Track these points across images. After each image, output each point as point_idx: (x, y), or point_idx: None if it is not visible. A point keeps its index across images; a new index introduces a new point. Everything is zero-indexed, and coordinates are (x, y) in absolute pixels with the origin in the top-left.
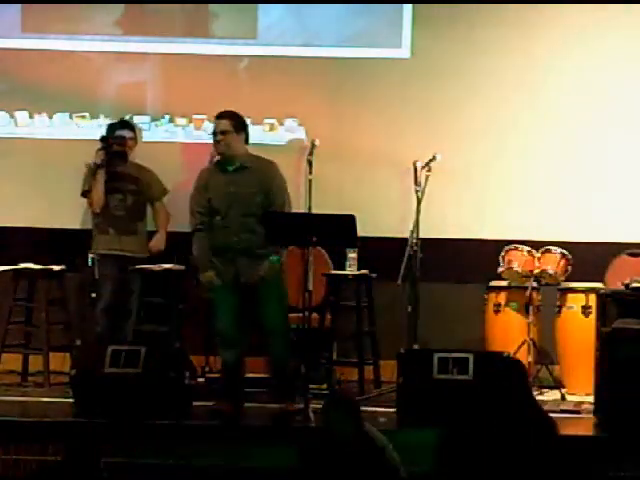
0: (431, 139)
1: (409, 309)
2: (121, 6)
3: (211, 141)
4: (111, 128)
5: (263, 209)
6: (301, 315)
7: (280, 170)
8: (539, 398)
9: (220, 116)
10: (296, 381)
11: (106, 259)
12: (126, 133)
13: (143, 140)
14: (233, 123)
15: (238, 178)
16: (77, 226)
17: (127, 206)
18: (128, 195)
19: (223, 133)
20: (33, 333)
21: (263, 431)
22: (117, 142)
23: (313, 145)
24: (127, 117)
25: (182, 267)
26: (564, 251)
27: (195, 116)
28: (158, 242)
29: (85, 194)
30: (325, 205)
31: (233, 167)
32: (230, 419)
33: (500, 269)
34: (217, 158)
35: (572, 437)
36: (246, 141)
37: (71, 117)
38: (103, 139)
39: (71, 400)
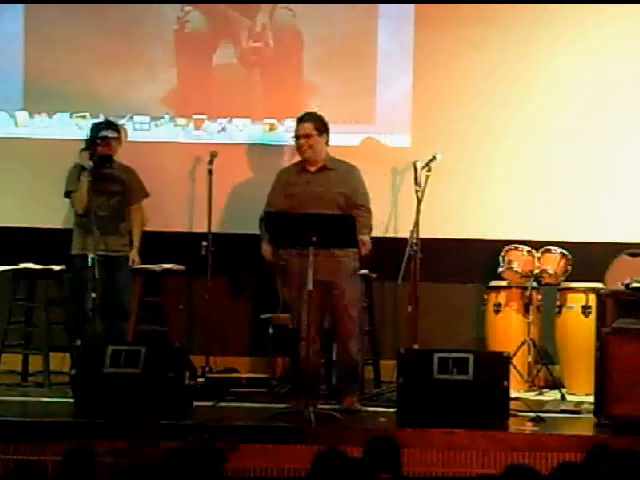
0: (431, 139)
1: (409, 309)
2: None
3: (211, 141)
4: (95, 128)
5: (343, 210)
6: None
7: (358, 170)
8: (539, 398)
9: (302, 119)
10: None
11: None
12: (110, 133)
13: (144, 140)
14: (316, 126)
15: (321, 179)
16: None
17: (111, 207)
18: (112, 196)
19: (307, 137)
20: (33, 333)
21: (263, 431)
22: (101, 143)
23: None
24: (127, 117)
25: (182, 267)
26: (564, 251)
27: (195, 116)
28: (134, 256)
29: (68, 195)
30: None
31: (315, 168)
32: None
33: (500, 269)
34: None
35: (572, 437)
36: (328, 143)
37: (71, 117)
38: (88, 141)
39: (71, 400)
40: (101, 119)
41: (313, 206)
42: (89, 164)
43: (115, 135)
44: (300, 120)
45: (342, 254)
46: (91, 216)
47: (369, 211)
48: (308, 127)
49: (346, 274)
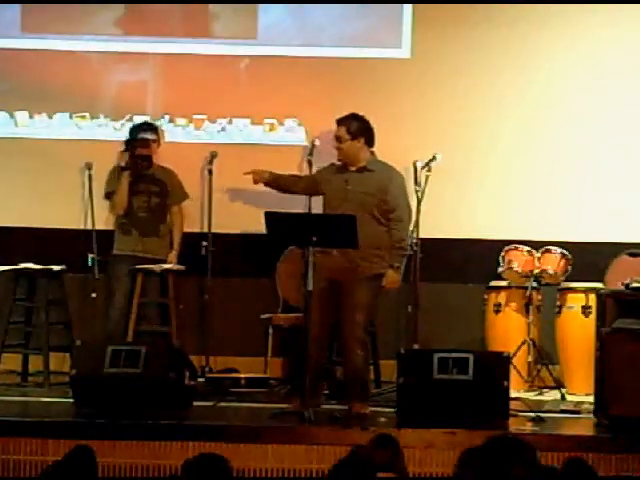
0: (431, 139)
1: (409, 309)
2: (121, 6)
3: (211, 141)
4: (135, 130)
5: (380, 213)
6: (301, 315)
7: (401, 177)
8: (539, 398)
9: (338, 122)
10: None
11: (126, 259)
12: (150, 135)
13: None
14: (349, 129)
15: (358, 179)
16: (77, 226)
17: (151, 208)
18: (152, 197)
19: (339, 140)
20: (33, 333)
21: (262, 431)
22: (142, 145)
23: (313, 145)
24: (127, 117)
25: (182, 267)
26: (564, 251)
27: (195, 116)
28: (172, 259)
29: (108, 196)
30: None
31: (355, 168)
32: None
33: (500, 269)
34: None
35: (572, 437)
36: (370, 144)
37: (71, 117)
38: (128, 142)
39: (71, 400)
40: (140, 120)
41: (340, 205)
42: (124, 163)
43: (154, 137)
44: (337, 122)
45: (361, 256)
46: (131, 217)
47: (403, 222)
48: (339, 130)
49: (359, 278)
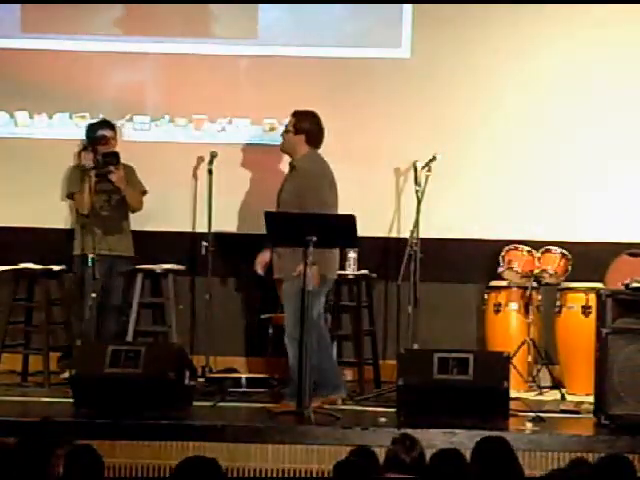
0: (431, 139)
1: (409, 309)
2: (121, 6)
3: (211, 141)
4: (92, 128)
5: (299, 209)
6: None
7: (321, 172)
8: (539, 398)
9: (292, 113)
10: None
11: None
12: (107, 132)
13: (143, 140)
14: (296, 124)
15: (288, 177)
16: None
17: (112, 206)
18: (113, 195)
19: (285, 130)
20: (33, 333)
21: (263, 431)
22: (100, 142)
23: None
24: (127, 117)
25: (182, 267)
26: (564, 251)
27: (195, 116)
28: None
29: (71, 196)
30: None
31: (289, 162)
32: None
33: (500, 269)
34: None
35: (572, 437)
36: (312, 144)
37: (71, 117)
38: (87, 142)
39: (71, 400)
40: (97, 119)
41: (279, 205)
42: (89, 164)
43: (112, 134)
44: (291, 113)
45: (283, 252)
46: (93, 216)
47: (317, 208)
48: (288, 121)
49: (286, 272)
